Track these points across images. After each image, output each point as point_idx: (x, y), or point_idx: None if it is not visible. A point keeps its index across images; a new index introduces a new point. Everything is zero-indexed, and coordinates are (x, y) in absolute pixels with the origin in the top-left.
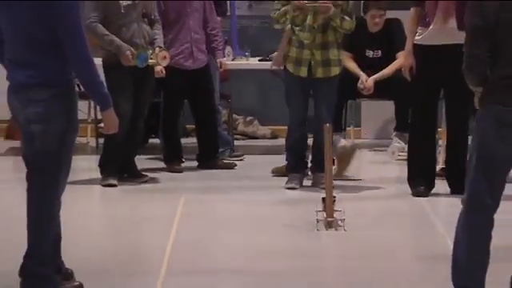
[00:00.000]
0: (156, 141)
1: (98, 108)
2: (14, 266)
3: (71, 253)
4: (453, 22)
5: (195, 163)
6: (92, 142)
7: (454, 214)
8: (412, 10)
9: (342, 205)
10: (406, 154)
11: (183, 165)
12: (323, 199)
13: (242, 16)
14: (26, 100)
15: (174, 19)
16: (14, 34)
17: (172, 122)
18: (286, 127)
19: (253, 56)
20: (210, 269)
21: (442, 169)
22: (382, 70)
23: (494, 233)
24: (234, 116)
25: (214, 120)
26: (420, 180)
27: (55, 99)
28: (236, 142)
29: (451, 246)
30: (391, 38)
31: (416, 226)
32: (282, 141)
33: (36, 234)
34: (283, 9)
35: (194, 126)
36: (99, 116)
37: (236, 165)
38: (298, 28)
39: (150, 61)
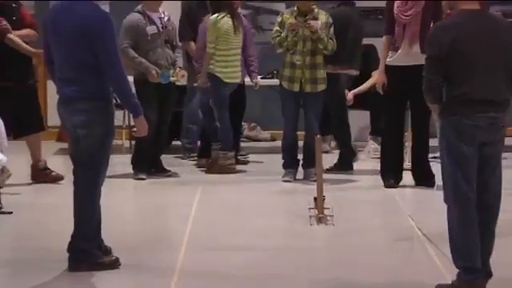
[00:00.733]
0: (178, 143)
1: (131, 116)
2: (64, 244)
3: (109, 233)
4: (417, 47)
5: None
6: (126, 143)
7: (419, 201)
8: (384, 37)
9: (328, 194)
10: (379, 153)
11: None
12: (315, 199)
13: None
14: (73, 110)
15: None
16: (65, 59)
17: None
18: (282, 132)
19: None
20: (223, 246)
21: (409, 165)
22: (360, 86)
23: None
24: None
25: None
26: (391, 174)
27: (96, 109)
28: (242, 144)
29: (415, 226)
30: (367, 60)
31: (387, 211)
32: (279, 143)
33: (81, 218)
34: (283, 34)
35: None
36: (132, 122)
37: (249, 161)
38: (290, 51)
39: (171, 78)
